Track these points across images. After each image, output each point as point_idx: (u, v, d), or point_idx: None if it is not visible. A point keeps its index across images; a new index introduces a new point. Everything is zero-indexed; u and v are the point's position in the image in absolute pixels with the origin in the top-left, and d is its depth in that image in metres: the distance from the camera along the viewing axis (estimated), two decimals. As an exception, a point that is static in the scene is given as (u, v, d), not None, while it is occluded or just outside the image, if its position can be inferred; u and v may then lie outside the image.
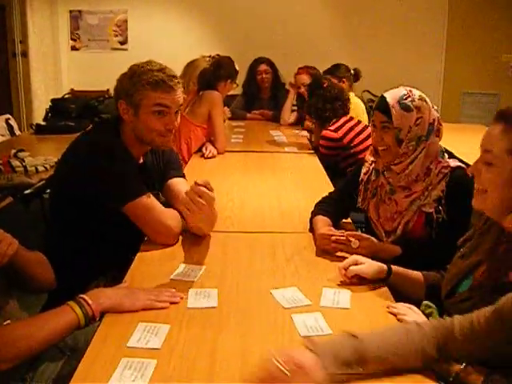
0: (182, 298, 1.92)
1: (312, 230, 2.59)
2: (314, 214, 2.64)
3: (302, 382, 1.36)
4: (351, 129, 4.15)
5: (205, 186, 2.14)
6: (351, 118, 4.28)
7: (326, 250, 2.36)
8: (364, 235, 2.38)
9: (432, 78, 7.82)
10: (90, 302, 1.77)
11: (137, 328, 1.73)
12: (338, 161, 4.17)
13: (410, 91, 2.38)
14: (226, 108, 6.00)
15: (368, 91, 7.42)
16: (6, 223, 2.10)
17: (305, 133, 5.47)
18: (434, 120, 2.38)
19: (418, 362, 1.53)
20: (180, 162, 2.93)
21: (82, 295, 1.79)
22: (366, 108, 5.30)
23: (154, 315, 1.82)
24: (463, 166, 2.44)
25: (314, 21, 7.61)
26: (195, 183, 2.13)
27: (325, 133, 4.23)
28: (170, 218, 2.47)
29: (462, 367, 1.52)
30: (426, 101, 2.38)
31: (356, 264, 2.08)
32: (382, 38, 7.68)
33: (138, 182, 2.44)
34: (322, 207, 2.67)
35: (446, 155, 2.49)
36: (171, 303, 1.89)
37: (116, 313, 1.83)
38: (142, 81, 2.37)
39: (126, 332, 1.70)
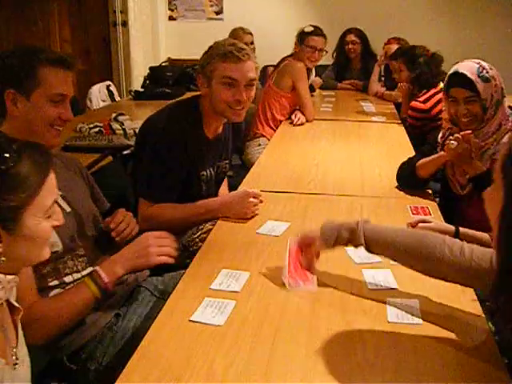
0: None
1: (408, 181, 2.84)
2: (413, 163, 2.82)
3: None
4: (440, 101, 4.12)
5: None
6: (441, 90, 4.27)
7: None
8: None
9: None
10: (103, 275, 1.81)
11: (220, 273, 1.91)
12: (425, 132, 4.20)
13: (479, 63, 2.53)
14: (317, 77, 6.11)
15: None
16: (107, 180, 2.32)
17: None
18: (501, 83, 2.55)
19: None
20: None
21: (97, 269, 1.84)
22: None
23: (237, 263, 2.01)
24: None
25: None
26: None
27: (413, 104, 4.27)
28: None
29: None
30: (493, 68, 2.55)
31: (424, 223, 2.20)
32: (477, 10, 7.41)
33: (167, 183, 2.58)
34: (413, 160, 2.86)
35: None
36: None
37: (202, 259, 2.05)
38: (213, 53, 2.53)
39: (209, 276, 1.89)
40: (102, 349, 1.90)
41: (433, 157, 2.73)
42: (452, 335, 1.60)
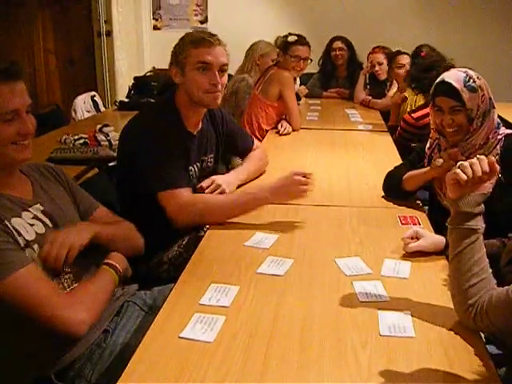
0: None
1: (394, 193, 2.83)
2: (400, 175, 2.80)
3: None
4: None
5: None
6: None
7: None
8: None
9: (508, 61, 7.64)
10: (115, 263, 1.97)
11: (209, 288, 1.88)
12: (414, 142, 4.21)
13: (466, 72, 2.49)
14: (302, 86, 6.12)
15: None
16: (93, 192, 2.29)
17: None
18: (489, 94, 2.51)
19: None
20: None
21: (107, 261, 2.00)
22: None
23: (226, 277, 1.98)
24: None
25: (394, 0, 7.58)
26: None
27: (406, 116, 4.22)
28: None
29: None
30: (481, 78, 2.50)
31: (417, 237, 2.19)
32: (462, 17, 7.49)
33: (175, 171, 2.55)
34: (400, 171, 2.83)
35: (502, 127, 2.61)
36: None
37: (190, 273, 2.02)
38: (185, 42, 2.59)
39: (198, 291, 1.86)
40: (91, 366, 1.86)
41: (419, 172, 2.71)
42: (445, 348, 1.58)
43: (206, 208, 2.51)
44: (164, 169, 2.52)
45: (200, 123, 2.79)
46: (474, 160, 1.67)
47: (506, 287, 1.58)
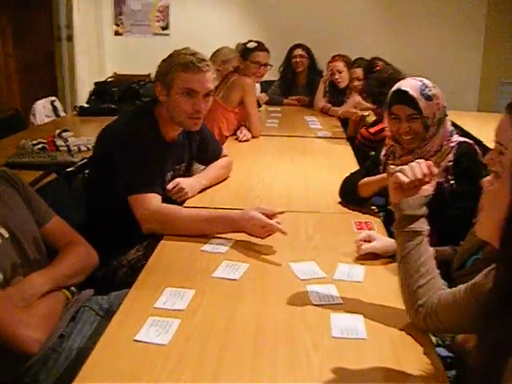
0: None
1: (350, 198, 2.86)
2: (355, 181, 2.83)
3: None
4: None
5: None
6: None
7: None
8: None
9: (470, 67, 7.80)
10: None
11: (164, 292, 1.90)
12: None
13: (422, 81, 2.56)
14: (263, 93, 6.16)
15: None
16: (50, 198, 2.28)
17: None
18: (444, 102, 2.58)
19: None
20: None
21: None
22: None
23: (181, 281, 1.99)
24: (470, 141, 2.67)
25: (353, 10, 7.68)
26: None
27: (363, 131, 4.31)
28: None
29: None
30: (436, 87, 2.58)
31: (369, 240, 2.24)
32: (419, 26, 7.65)
33: (150, 176, 2.55)
34: (356, 177, 2.87)
35: (455, 134, 2.68)
36: None
37: (146, 278, 2.03)
38: (174, 62, 2.57)
39: (153, 295, 1.87)
40: (46, 371, 1.85)
41: (374, 178, 2.75)
42: (396, 350, 1.62)
43: (167, 219, 2.46)
44: (137, 172, 2.52)
45: (176, 134, 2.81)
46: (414, 163, 1.73)
47: (454, 288, 1.63)
